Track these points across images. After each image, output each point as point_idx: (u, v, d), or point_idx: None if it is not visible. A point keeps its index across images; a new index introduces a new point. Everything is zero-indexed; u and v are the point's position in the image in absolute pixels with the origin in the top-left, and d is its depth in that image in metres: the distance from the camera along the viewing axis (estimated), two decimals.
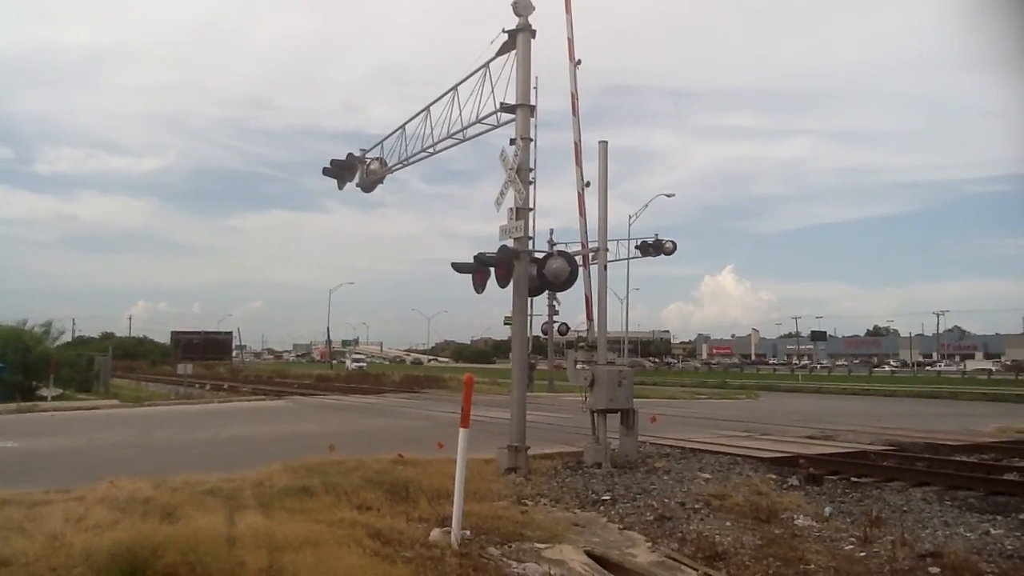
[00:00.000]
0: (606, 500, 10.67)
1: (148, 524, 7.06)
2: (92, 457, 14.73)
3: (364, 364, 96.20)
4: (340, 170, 18.49)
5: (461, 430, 7.84)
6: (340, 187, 18.76)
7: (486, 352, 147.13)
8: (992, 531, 9.30)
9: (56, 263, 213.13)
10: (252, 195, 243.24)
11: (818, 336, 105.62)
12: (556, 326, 42.08)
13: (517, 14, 13.06)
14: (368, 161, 18.17)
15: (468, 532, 7.83)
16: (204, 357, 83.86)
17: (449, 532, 7.60)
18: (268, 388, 46.12)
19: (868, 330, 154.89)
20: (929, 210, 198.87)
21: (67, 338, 68.97)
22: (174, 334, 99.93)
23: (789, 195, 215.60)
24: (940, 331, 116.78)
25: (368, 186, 18.34)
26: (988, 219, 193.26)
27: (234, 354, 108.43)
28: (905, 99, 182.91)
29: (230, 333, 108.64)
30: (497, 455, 12.65)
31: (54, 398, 33.38)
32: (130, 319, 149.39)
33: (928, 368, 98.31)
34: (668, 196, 50.49)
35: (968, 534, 9.19)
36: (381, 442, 15.72)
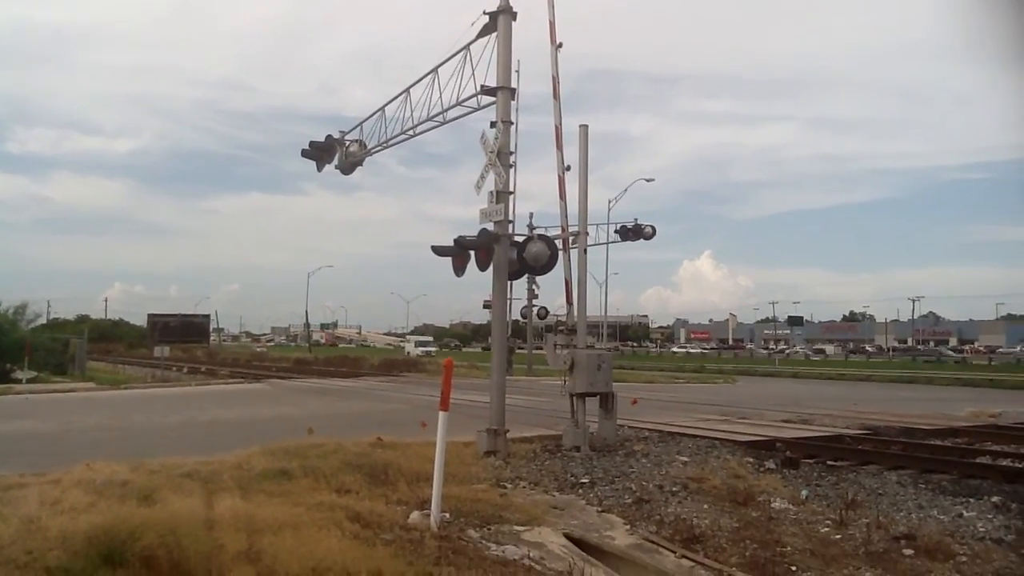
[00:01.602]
0: (585, 483, 10.71)
1: (125, 507, 7.00)
2: (68, 440, 14.63)
3: (432, 351, 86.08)
4: (319, 152, 18.35)
5: (441, 413, 7.84)
6: (319, 169, 18.63)
7: (465, 336, 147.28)
8: (965, 513, 9.44)
9: (30, 245, 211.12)
10: (229, 177, 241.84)
11: (795, 321, 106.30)
12: (536, 310, 42.13)
13: None
14: (347, 143, 18.04)
15: (447, 515, 7.85)
16: (181, 340, 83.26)
17: (428, 515, 7.61)
18: (246, 371, 45.94)
19: (844, 315, 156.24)
20: (905, 197, 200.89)
21: (42, 321, 68.34)
22: (151, 317, 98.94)
23: (767, 181, 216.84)
24: (915, 317, 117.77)
25: (347, 168, 18.23)
26: (963, 206, 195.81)
27: (212, 338, 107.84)
28: (883, 86, 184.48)
29: (208, 316, 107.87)
30: (476, 438, 12.66)
31: (29, 381, 33.09)
32: (106, 301, 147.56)
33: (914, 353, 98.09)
34: (648, 181, 50.86)
35: (942, 517, 9.33)
36: (360, 425, 15.70)
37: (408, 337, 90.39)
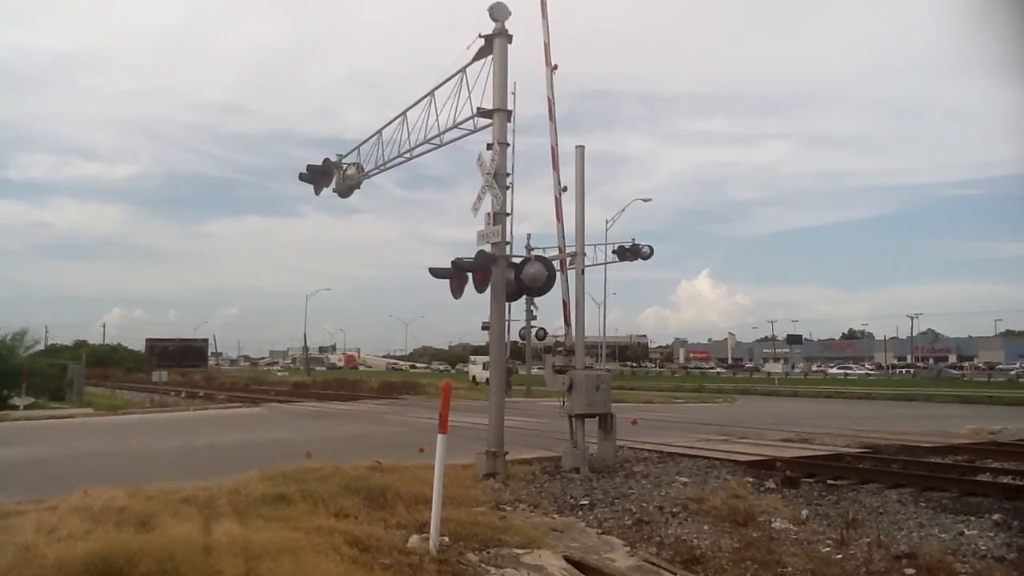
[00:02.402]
0: (584, 505, 10.67)
1: (122, 533, 6.97)
2: (65, 466, 14.56)
3: None
4: (316, 175, 18.40)
5: (439, 436, 7.82)
6: (316, 192, 18.68)
7: (464, 357, 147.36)
8: (966, 532, 9.40)
9: (29, 270, 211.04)
10: (227, 201, 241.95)
11: (794, 339, 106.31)
12: (534, 331, 42.13)
13: (493, 19, 13.05)
14: (344, 166, 18.10)
15: (447, 538, 7.81)
16: (180, 364, 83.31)
17: (427, 538, 7.57)
18: (244, 395, 45.80)
19: (843, 333, 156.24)
20: (902, 213, 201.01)
21: (40, 346, 68.15)
22: (149, 341, 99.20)
23: (763, 199, 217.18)
24: (914, 334, 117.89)
25: (345, 191, 18.27)
26: (961, 223, 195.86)
27: (210, 362, 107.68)
28: (877, 103, 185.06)
29: (206, 340, 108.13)
30: (475, 460, 12.62)
31: (26, 407, 32.98)
32: (104, 327, 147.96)
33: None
34: (645, 200, 50.98)
35: (943, 535, 9.28)
36: (358, 449, 15.64)
37: (474, 358, 68.10)
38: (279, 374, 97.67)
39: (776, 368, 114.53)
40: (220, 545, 6.71)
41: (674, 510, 10.27)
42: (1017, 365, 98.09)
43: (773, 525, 9.57)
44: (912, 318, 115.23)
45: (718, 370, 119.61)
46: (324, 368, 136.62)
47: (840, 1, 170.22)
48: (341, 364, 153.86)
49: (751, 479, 12.68)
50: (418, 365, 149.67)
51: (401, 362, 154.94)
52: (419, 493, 9.54)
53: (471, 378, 59.55)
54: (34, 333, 52.49)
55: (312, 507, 9.03)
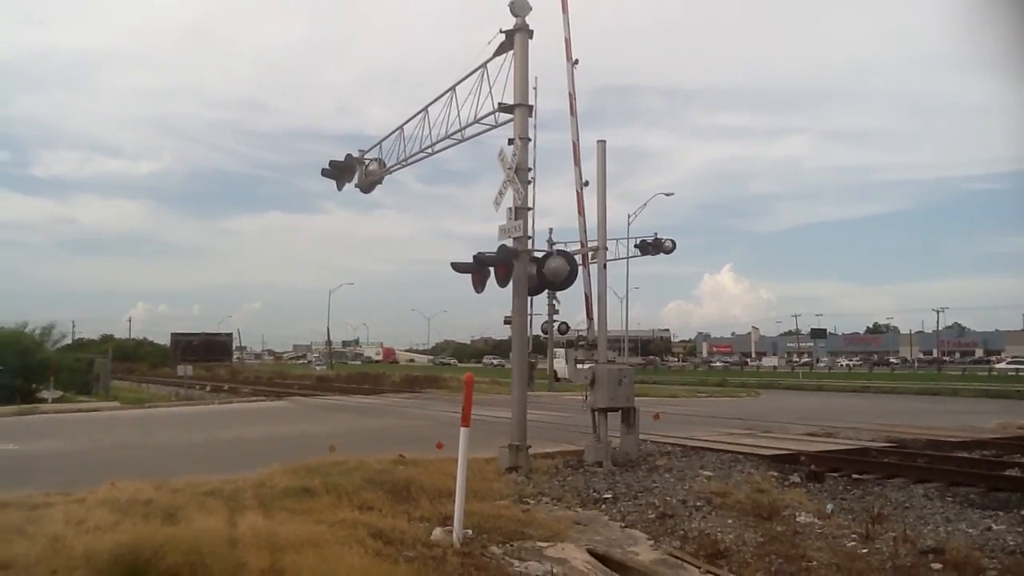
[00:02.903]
0: (608, 498, 10.66)
1: (149, 525, 7.04)
2: (93, 459, 14.72)
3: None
4: (339, 171, 18.50)
5: (462, 429, 7.84)
6: (339, 188, 18.77)
7: (486, 351, 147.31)
8: (994, 527, 9.30)
9: (55, 266, 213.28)
10: (249, 197, 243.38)
11: (818, 334, 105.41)
12: (556, 325, 42.11)
13: (514, 14, 13.04)
14: (367, 162, 18.17)
15: (470, 531, 7.82)
16: (204, 359, 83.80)
17: (451, 531, 7.59)
18: (268, 389, 46.12)
19: (868, 327, 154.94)
20: (926, 208, 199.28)
21: (67, 341, 68.94)
22: (174, 336, 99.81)
23: (785, 194, 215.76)
24: (940, 328, 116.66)
25: (367, 187, 18.34)
26: (986, 216, 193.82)
27: (235, 356, 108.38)
28: (899, 97, 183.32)
29: (230, 335, 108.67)
30: (498, 454, 12.64)
31: (54, 400, 33.40)
32: (130, 321, 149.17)
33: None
34: (667, 195, 50.56)
35: (970, 530, 9.19)
36: (382, 442, 15.72)
37: (557, 351, 52.78)
38: (318, 368, 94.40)
39: (772, 362, 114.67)
40: (245, 538, 6.77)
41: (698, 504, 10.24)
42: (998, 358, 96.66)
43: (798, 519, 9.51)
44: (938, 312, 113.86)
45: (719, 363, 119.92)
46: (358, 362, 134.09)
47: None
48: (378, 357, 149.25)
49: (775, 473, 12.62)
50: (449, 360, 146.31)
51: (451, 359, 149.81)
52: (442, 486, 9.57)
53: (552, 374, 47.34)
54: (61, 328, 53.24)
55: (336, 500, 9.08)
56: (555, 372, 48.96)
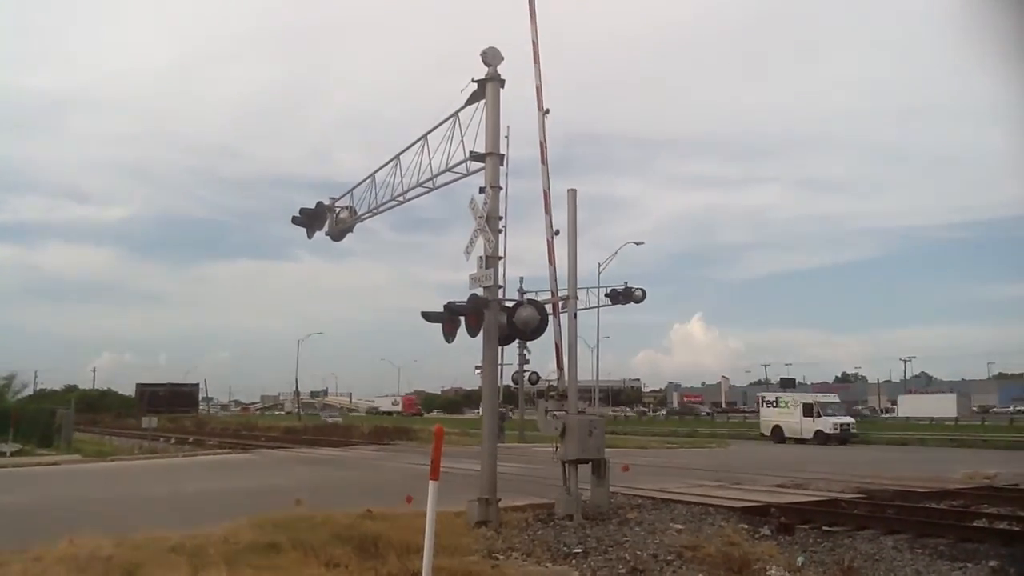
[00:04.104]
0: (578, 553, 10.55)
1: None
2: (51, 514, 14.34)
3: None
4: (309, 219, 18.42)
5: (431, 482, 7.73)
6: (309, 236, 18.68)
7: (456, 402, 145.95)
8: None
9: (18, 314, 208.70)
10: (219, 244, 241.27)
11: (787, 383, 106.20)
12: (527, 375, 41.97)
13: (486, 64, 13.20)
14: (337, 210, 18.13)
15: None
16: (170, 409, 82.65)
17: None
18: (235, 441, 45.40)
19: (836, 376, 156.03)
20: (893, 256, 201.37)
21: (29, 391, 67.70)
22: (139, 386, 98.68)
23: (755, 242, 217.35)
24: (907, 377, 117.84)
25: (337, 235, 18.29)
26: (952, 265, 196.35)
27: (201, 407, 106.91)
28: (868, 147, 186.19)
29: (196, 385, 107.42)
30: (467, 508, 12.49)
31: (13, 454, 32.60)
32: (94, 371, 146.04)
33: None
34: (637, 244, 51.07)
35: None
36: (350, 495, 15.48)
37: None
38: (330, 420, 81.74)
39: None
40: None
41: (668, 558, 10.16)
42: (1010, 408, 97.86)
43: (769, 573, 9.47)
44: (905, 361, 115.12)
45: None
46: (334, 417, 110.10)
47: (831, 46, 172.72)
48: (398, 409, 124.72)
49: (746, 525, 12.57)
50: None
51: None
52: (411, 541, 9.42)
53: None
54: (23, 378, 52.28)
55: (302, 556, 8.93)
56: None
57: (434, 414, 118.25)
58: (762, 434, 46.36)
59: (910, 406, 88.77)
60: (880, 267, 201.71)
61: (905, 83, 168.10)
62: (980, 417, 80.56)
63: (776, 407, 46.42)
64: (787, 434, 44.23)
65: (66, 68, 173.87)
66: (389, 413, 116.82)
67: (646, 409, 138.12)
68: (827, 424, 43.28)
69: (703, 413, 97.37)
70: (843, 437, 42.86)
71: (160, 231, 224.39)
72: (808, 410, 44.45)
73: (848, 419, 46.04)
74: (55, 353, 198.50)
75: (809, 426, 43.69)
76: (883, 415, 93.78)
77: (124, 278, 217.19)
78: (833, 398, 50.32)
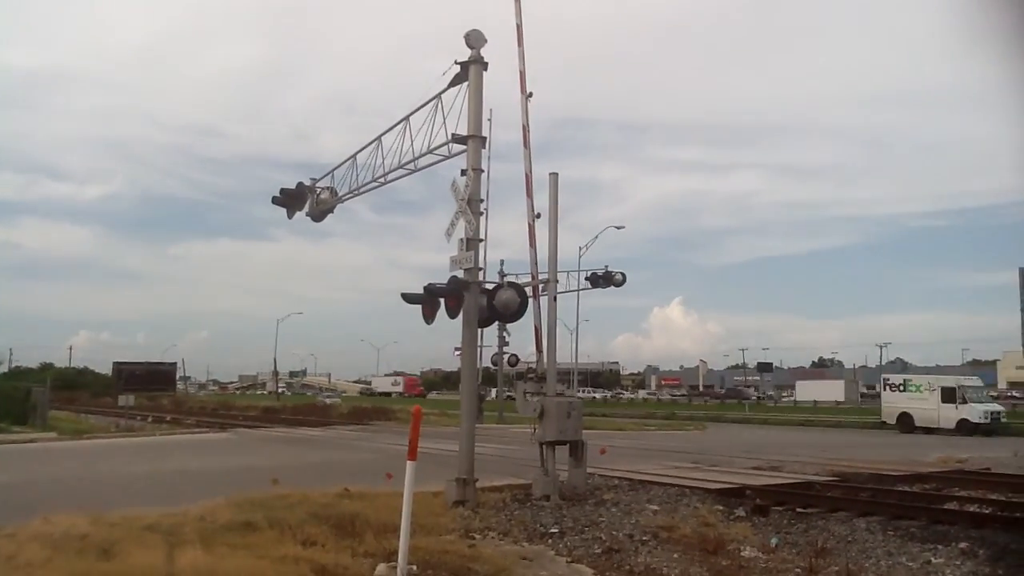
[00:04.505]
0: (554, 533, 10.62)
1: (83, 562, 6.85)
2: (26, 492, 14.26)
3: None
4: (289, 199, 18.31)
5: (408, 463, 7.75)
6: (289, 216, 18.58)
7: (437, 383, 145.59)
8: (933, 560, 9.46)
9: None
10: (199, 223, 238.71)
11: (764, 367, 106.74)
12: (506, 357, 42.10)
13: (469, 46, 13.14)
14: (318, 191, 18.03)
15: (415, 567, 7.72)
16: (148, 388, 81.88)
17: (395, 567, 7.49)
18: (212, 420, 45.28)
19: (813, 361, 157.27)
20: (871, 243, 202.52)
21: (4, 369, 67.13)
22: (116, 365, 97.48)
23: (735, 228, 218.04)
24: (883, 363, 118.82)
25: (318, 216, 18.20)
26: (928, 253, 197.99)
27: (179, 386, 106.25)
28: (848, 133, 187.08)
29: (174, 364, 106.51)
30: (445, 488, 12.53)
31: None
32: (71, 349, 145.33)
33: None
34: (618, 228, 51.23)
35: (910, 563, 9.34)
36: (327, 475, 15.47)
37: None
38: (328, 401, 75.86)
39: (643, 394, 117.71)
40: (184, 574, 6.61)
41: (644, 538, 10.25)
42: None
43: (743, 553, 9.57)
44: (881, 347, 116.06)
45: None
46: (357, 394, 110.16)
47: (812, 32, 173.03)
48: (398, 390, 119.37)
49: (721, 507, 12.68)
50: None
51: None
52: (388, 521, 9.45)
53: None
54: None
55: (279, 535, 8.93)
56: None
57: (434, 395, 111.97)
58: (883, 422, 40.72)
59: (805, 391, 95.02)
60: (858, 254, 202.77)
61: (886, 71, 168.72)
62: (867, 400, 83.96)
63: (904, 391, 40.60)
64: (918, 423, 38.69)
65: (44, 43, 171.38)
66: (388, 394, 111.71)
67: (655, 392, 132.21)
68: (975, 412, 37.72)
69: (752, 398, 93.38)
70: (991, 428, 37.44)
71: (139, 210, 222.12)
72: (949, 395, 38.65)
73: (999, 407, 40.87)
74: (31, 331, 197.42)
75: (950, 414, 37.97)
76: (782, 399, 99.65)
77: (102, 257, 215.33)
78: (976, 381, 43.26)
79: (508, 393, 43.24)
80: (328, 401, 76.72)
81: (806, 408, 75.58)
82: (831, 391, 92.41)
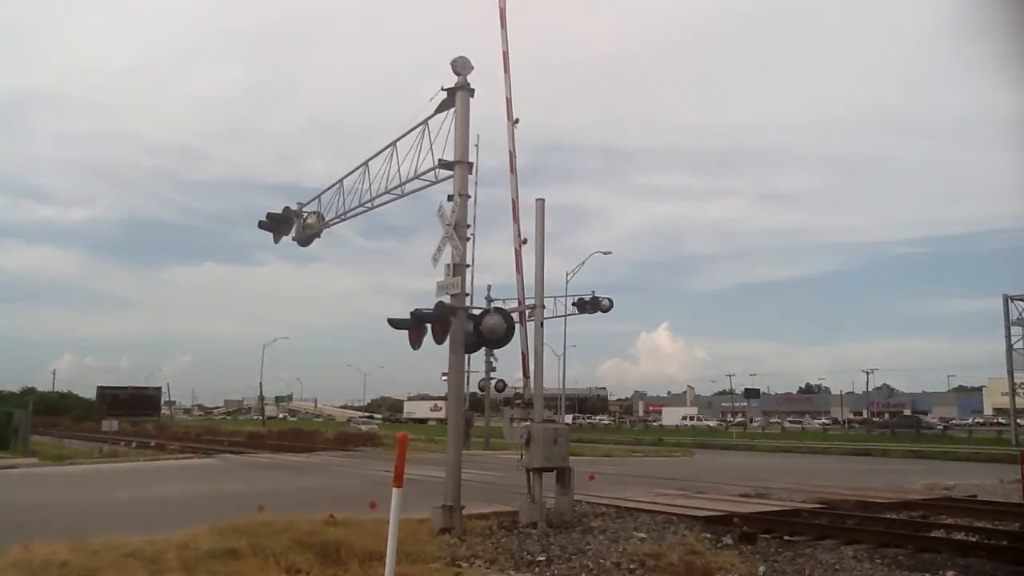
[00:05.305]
0: (541, 561, 10.54)
1: None
2: (5, 519, 14.06)
3: None
4: (276, 223, 18.29)
5: (394, 490, 7.70)
6: (276, 240, 18.55)
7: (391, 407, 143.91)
8: None
9: None
10: (184, 247, 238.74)
11: (751, 393, 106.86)
12: (493, 383, 41.97)
13: (456, 72, 13.22)
14: (305, 215, 18.01)
15: None
16: (131, 413, 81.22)
17: None
18: (197, 445, 44.91)
19: (800, 387, 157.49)
20: (856, 270, 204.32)
21: None
22: (100, 389, 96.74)
23: (721, 254, 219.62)
24: (870, 389, 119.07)
25: (304, 240, 18.17)
26: (913, 279, 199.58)
27: (163, 411, 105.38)
28: (832, 161, 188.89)
29: (159, 388, 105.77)
30: (431, 515, 12.45)
31: None
32: (54, 373, 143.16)
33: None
34: (605, 253, 51.28)
35: None
36: (312, 502, 15.35)
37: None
38: (363, 428, 71.39)
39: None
40: None
41: (631, 567, 10.18)
42: (970, 420, 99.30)
43: None
44: (868, 373, 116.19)
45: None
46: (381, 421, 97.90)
47: (795, 61, 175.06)
48: (439, 415, 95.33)
49: (708, 535, 12.63)
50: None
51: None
52: (374, 548, 9.37)
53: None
54: None
55: (263, 562, 8.83)
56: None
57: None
58: None
59: (668, 416, 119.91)
60: (844, 280, 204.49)
61: (869, 99, 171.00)
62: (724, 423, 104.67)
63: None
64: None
65: (30, 66, 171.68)
66: (423, 421, 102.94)
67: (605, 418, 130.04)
68: None
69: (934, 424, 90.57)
70: None
71: (124, 233, 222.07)
72: None
73: None
74: (13, 355, 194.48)
75: (509, 430, 32.65)
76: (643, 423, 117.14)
77: (86, 280, 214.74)
78: None
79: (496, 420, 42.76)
80: (364, 428, 72.49)
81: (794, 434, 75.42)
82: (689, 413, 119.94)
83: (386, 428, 74.19)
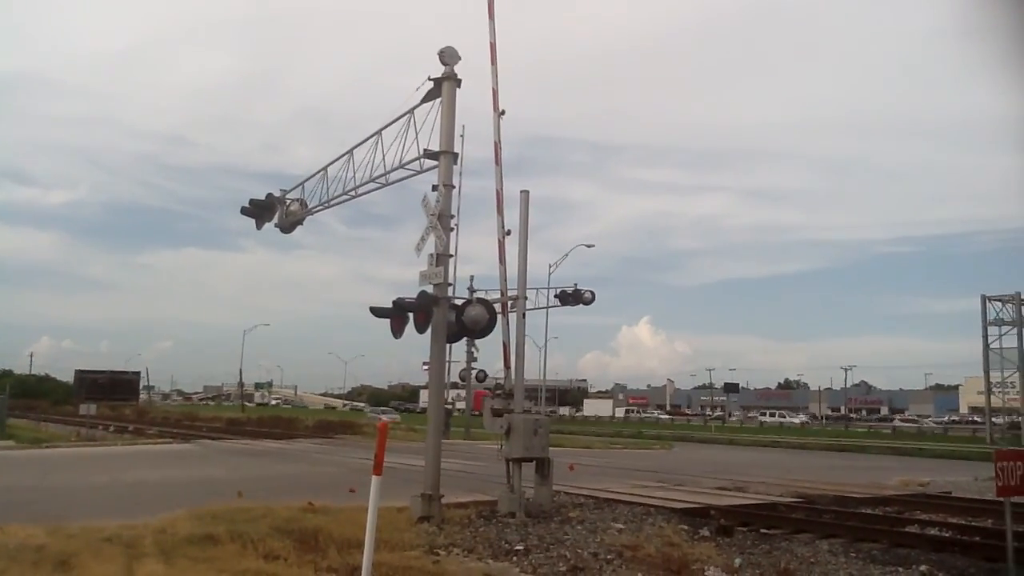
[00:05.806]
0: (519, 550, 10.58)
1: (39, 574, 6.72)
2: None
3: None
4: (259, 210, 18.22)
5: (374, 478, 7.69)
6: (258, 227, 18.49)
7: (403, 397, 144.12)
8: None
9: None
10: (166, 232, 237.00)
11: (731, 388, 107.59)
12: (474, 373, 42.00)
13: (443, 63, 13.19)
14: (288, 202, 17.95)
15: None
16: (110, 397, 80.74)
17: None
18: (176, 431, 44.72)
19: (779, 383, 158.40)
20: (837, 268, 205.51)
21: None
22: (78, 373, 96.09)
23: (704, 250, 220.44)
24: (848, 385, 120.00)
25: (287, 227, 18.11)
26: (893, 279, 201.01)
27: (142, 396, 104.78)
28: (816, 160, 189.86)
29: (138, 373, 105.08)
30: (410, 503, 12.47)
31: None
32: (31, 356, 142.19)
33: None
34: (588, 247, 51.32)
35: None
36: (291, 489, 15.34)
37: None
38: (384, 418, 56.80)
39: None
40: None
41: (609, 557, 10.24)
42: (946, 418, 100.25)
43: (706, 574, 9.59)
44: (846, 370, 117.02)
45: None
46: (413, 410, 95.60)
47: (783, 61, 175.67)
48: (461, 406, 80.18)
49: (686, 527, 12.72)
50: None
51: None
52: (352, 536, 9.38)
53: None
54: None
55: (241, 548, 8.83)
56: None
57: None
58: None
59: (589, 407, 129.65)
60: (824, 278, 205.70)
61: (854, 100, 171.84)
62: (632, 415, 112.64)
63: None
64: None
65: (15, 47, 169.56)
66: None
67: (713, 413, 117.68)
68: None
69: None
70: None
71: (106, 217, 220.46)
72: None
73: None
74: None
75: (489, 420, 28.92)
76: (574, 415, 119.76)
77: (66, 263, 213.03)
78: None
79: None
80: (385, 418, 66.88)
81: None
82: (603, 408, 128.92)
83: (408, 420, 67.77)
